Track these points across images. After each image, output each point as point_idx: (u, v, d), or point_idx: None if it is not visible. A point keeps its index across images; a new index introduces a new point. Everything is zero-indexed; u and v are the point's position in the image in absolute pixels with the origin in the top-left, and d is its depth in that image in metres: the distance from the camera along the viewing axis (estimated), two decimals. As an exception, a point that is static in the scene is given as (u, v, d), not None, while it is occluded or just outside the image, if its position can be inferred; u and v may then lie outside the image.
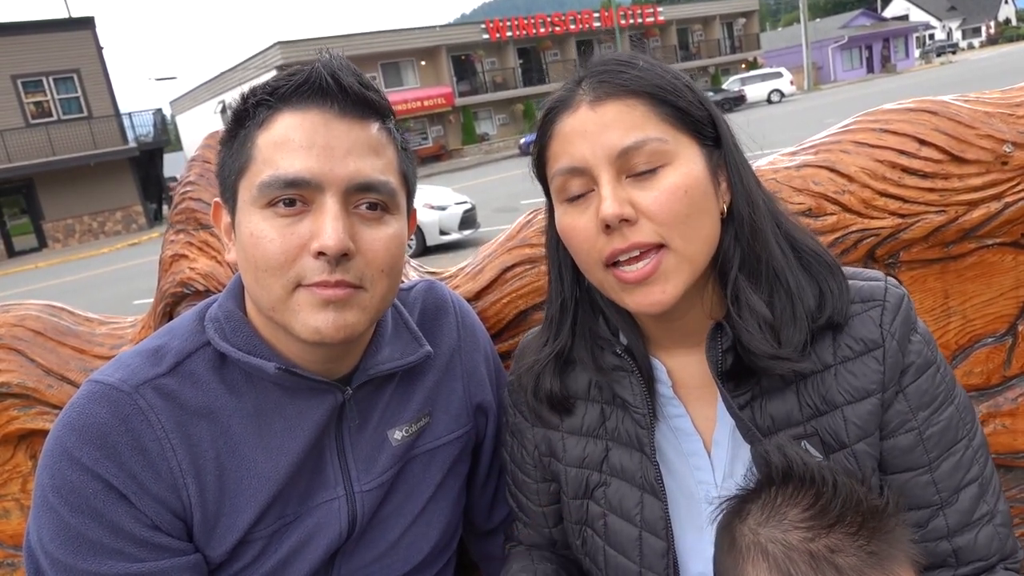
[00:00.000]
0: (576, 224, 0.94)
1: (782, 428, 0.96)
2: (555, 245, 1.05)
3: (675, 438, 1.03)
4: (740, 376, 0.95)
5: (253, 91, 0.98)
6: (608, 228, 0.89)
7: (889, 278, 1.00)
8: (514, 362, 1.17)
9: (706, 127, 0.94)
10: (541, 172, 1.01)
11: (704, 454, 1.02)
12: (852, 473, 0.93)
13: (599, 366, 1.03)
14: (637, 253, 0.90)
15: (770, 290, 0.94)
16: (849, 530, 0.80)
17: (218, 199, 1.04)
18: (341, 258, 0.93)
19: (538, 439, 1.13)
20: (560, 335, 1.06)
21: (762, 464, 0.88)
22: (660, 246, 0.90)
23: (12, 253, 26.64)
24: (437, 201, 11.44)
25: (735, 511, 0.87)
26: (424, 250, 11.20)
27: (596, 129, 0.90)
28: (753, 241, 0.94)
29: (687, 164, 0.91)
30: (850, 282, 0.97)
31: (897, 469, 0.96)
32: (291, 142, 0.93)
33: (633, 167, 0.90)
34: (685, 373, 1.03)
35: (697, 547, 1.00)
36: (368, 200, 0.97)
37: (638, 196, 0.89)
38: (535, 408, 1.11)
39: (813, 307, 0.93)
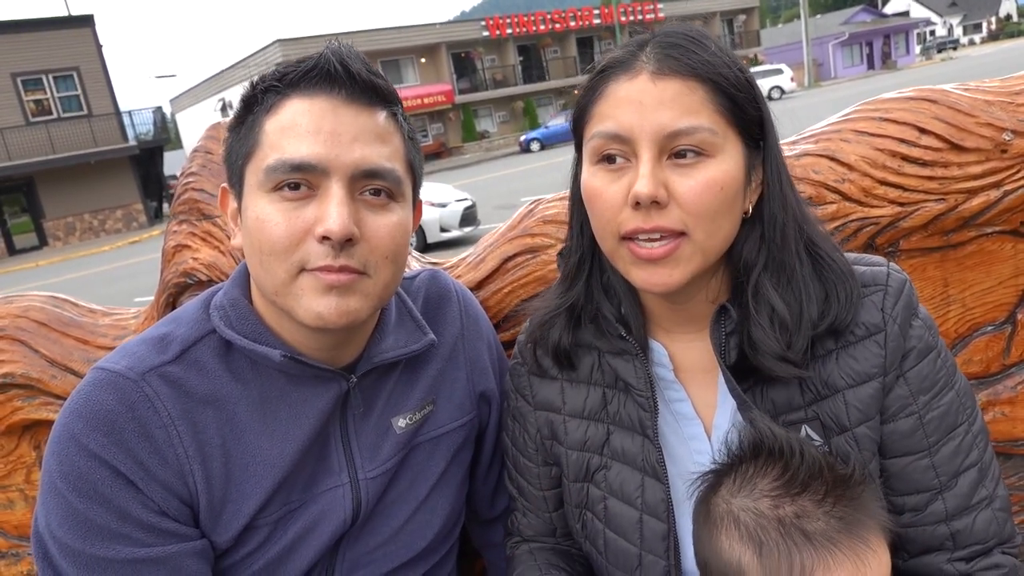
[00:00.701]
0: (604, 191, 0.93)
1: (783, 413, 0.97)
2: (579, 200, 1.04)
3: (676, 422, 1.04)
4: (743, 365, 0.96)
5: (262, 78, 0.99)
6: (637, 205, 0.89)
7: (892, 263, 1.00)
8: (524, 330, 1.16)
9: (754, 127, 0.94)
10: (578, 124, 0.99)
11: (705, 438, 1.02)
12: (850, 456, 0.94)
13: (605, 337, 1.04)
14: (658, 236, 0.90)
15: (786, 294, 0.94)
16: (815, 497, 0.83)
17: (225, 185, 1.05)
18: (345, 243, 0.93)
19: (540, 422, 1.13)
20: (574, 288, 1.06)
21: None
22: (681, 233, 0.90)
23: (13, 251, 26.64)
24: (438, 198, 11.44)
25: (711, 484, 0.90)
26: (425, 247, 11.19)
27: (652, 103, 0.89)
28: (782, 246, 0.95)
29: (728, 161, 0.91)
30: (852, 268, 0.98)
31: (897, 453, 0.97)
32: (298, 127, 0.94)
33: (676, 150, 0.89)
34: (687, 357, 1.04)
35: None
36: (373, 186, 0.97)
37: (675, 181, 0.89)
38: (538, 360, 1.10)
39: (815, 316, 0.94)
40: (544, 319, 1.08)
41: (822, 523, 0.81)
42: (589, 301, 1.05)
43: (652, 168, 0.88)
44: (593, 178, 0.95)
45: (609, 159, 0.93)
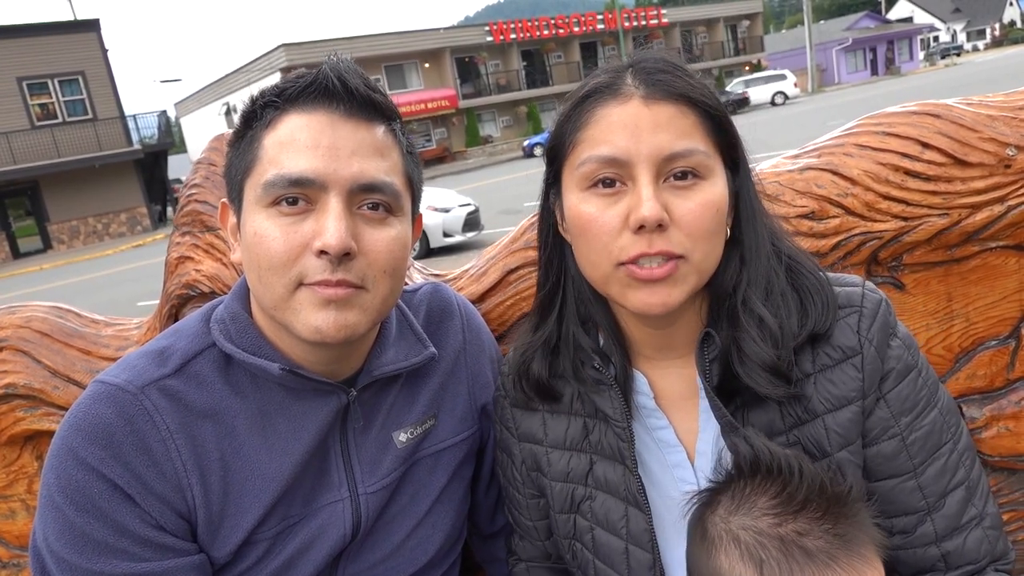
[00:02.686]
0: (599, 216, 0.91)
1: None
2: (548, 231, 1.05)
3: (658, 450, 1.03)
4: (725, 389, 0.96)
5: (261, 93, 0.99)
6: (641, 229, 0.88)
7: (868, 283, 1.00)
8: (507, 362, 1.16)
9: (733, 150, 0.95)
10: (559, 153, 0.98)
11: (688, 465, 1.01)
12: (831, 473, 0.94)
13: (580, 377, 1.03)
14: (660, 260, 0.89)
15: (771, 308, 0.95)
16: (815, 515, 0.82)
17: (225, 200, 1.05)
18: (343, 258, 0.93)
19: (525, 454, 1.13)
20: (547, 322, 1.06)
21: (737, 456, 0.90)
22: (680, 256, 0.90)
23: (17, 255, 26.73)
24: (441, 203, 11.44)
25: (706, 503, 0.89)
26: (428, 252, 11.20)
27: (648, 126, 0.89)
28: (765, 265, 0.95)
29: (719, 182, 0.92)
30: (828, 278, 0.98)
31: (882, 476, 0.96)
32: (296, 142, 0.94)
33: (671, 172, 0.90)
34: (667, 384, 1.03)
35: (684, 558, 0.99)
36: (372, 200, 0.97)
37: (674, 204, 0.89)
38: (520, 396, 1.10)
39: (796, 327, 0.94)
40: (523, 355, 1.08)
41: (822, 541, 0.81)
42: (565, 334, 1.05)
43: (654, 191, 0.88)
44: (585, 204, 0.93)
45: (605, 183, 0.92)
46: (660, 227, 0.88)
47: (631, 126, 0.89)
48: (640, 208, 0.87)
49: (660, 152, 0.88)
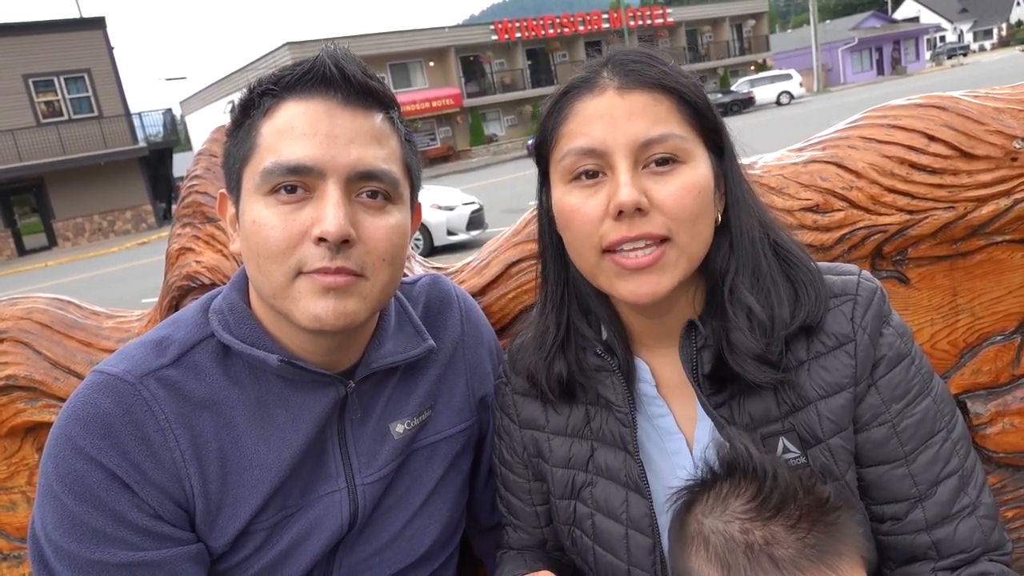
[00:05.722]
0: (581, 206, 0.93)
1: (760, 425, 0.96)
2: (546, 229, 1.06)
3: (658, 437, 1.04)
4: (719, 376, 0.96)
5: (259, 81, 0.99)
6: (620, 215, 0.89)
7: (863, 272, 1.00)
8: (508, 360, 1.16)
9: (716, 135, 0.96)
10: (543, 148, 1.00)
11: (687, 452, 1.02)
12: (828, 468, 0.94)
13: (581, 368, 1.04)
14: (643, 244, 0.90)
15: (759, 296, 0.95)
16: (788, 522, 0.81)
17: (223, 191, 1.05)
18: (342, 245, 0.93)
19: (526, 440, 1.13)
20: (563, 317, 1.06)
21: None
22: (665, 239, 0.91)
23: (22, 251, 26.82)
24: (445, 202, 11.43)
25: (686, 501, 0.89)
26: (431, 250, 11.20)
27: (622, 115, 0.90)
28: (751, 250, 0.96)
29: (700, 166, 0.93)
30: (824, 277, 0.98)
31: (872, 462, 0.97)
32: (294, 129, 0.94)
33: (650, 159, 0.91)
34: (667, 372, 1.04)
35: None
36: (370, 188, 0.97)
37: (653, 189, 0.90)
38: (543, 392, 1.09)
39: (787, 316, 0.95)
40: (548, 360, 1.06)
41: (792, 550, 0.80)
42: (571, 327, 1.06)
43: (631, 177, 0.89)
44: (568, 196, 0.95)
45: (586, 174, 0.93)
46: (640, 211, 0.89)
47: (606, 116, 0.91)
48: (618, 194, 0.89)
49: (636, 139, 0.90)
